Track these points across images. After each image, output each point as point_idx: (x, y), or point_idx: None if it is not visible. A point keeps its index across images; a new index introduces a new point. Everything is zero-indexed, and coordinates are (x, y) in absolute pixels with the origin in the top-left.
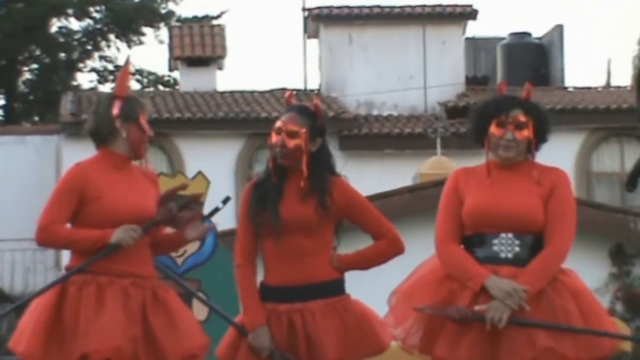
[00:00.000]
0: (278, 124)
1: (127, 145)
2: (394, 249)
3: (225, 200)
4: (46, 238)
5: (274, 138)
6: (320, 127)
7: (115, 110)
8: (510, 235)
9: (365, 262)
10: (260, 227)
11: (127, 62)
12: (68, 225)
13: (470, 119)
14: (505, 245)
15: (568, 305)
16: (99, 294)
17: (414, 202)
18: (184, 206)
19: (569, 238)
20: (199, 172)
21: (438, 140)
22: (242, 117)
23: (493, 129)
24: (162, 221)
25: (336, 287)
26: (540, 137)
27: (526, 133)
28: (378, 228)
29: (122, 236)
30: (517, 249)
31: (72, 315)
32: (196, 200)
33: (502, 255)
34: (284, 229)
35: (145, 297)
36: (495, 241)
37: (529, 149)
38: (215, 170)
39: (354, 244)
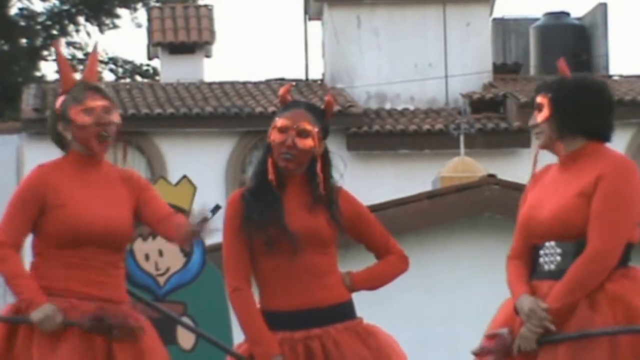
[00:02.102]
0: (283, 121)
1: (79, 144)
2: (404, 266)
3: (215, 209)
4: None
5: (279, 137)
6: (326, 128)
7: (57, 105)
8: (552, 243)
9: (377, 280)
10: (270, 244)
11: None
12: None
13: None
14: (549, 255)
15: (607, 318)
16: None
17: (434, 211)
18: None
19: (612, 237)
20: (184, 177)
21: (461, 138)
22: (233, 113)
23: None
24: (84, 328)
25: (351, 309)
26: (560, 110)
27: (544, 113)
28: (386, 243)
29: (41, 319)
30: (558, 258)
31: (24, 351)
32: (132, 334)
33: (546, 267)
34: (298, 245)
35: None
36: (542, 252)
37: (560, 132)
38: (203, 174)
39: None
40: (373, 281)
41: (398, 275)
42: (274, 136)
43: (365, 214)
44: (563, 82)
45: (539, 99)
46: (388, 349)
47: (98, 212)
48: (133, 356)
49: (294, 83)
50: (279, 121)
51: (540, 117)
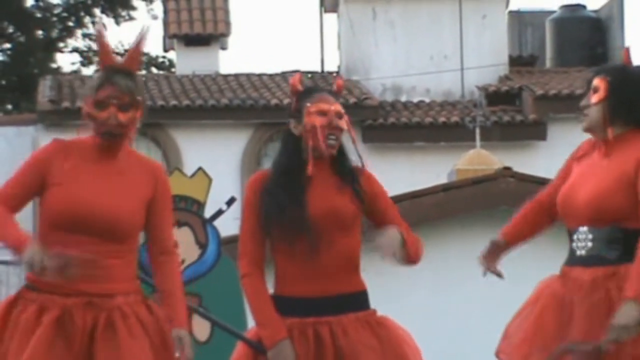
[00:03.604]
0: (322, 105)
1: None
2: (421, 251)
3: (230, 202)
4: None
5: (320, 120)
6: None
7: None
8: (585, 228)
9: (412, 249)
10: (289, 227)
11: (99, 30)
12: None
13: None
14: (581, 241)
15: None
16: (36, 321)
17: (450, 203)
18: None
19: None
20: (199, 169)
21: (477, 131)
22: (249, 105)
23: None
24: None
25: (365, 300)
26: (616, 95)
27: (599, 95)
28: (400, 224)
29: (31, 258)
30: (589, 244)
31: (6, 344)
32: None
33: (577, 253)
34: (316, 234)
35: (98, 321)
36: (574, 236)
37: (611, 116)
38: (218, 166)
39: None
40: (410, 247)
41: (419, 257)
42: (315, 120)
43: (383, 194)
44: (623, 69)
45: (596, 82)
46: (400, 340)
47: (100, 199)
48: (112, 346)
49: (309, 75)
50: (316, 106)
51: (595, 97)
